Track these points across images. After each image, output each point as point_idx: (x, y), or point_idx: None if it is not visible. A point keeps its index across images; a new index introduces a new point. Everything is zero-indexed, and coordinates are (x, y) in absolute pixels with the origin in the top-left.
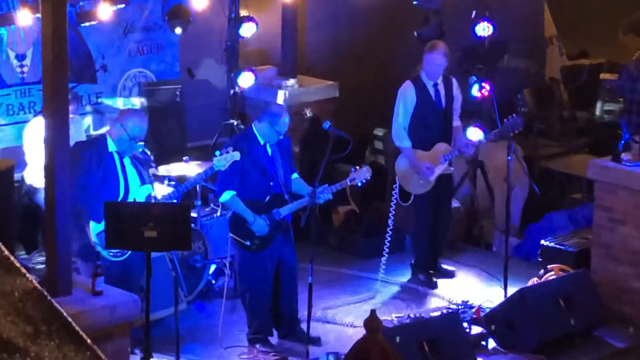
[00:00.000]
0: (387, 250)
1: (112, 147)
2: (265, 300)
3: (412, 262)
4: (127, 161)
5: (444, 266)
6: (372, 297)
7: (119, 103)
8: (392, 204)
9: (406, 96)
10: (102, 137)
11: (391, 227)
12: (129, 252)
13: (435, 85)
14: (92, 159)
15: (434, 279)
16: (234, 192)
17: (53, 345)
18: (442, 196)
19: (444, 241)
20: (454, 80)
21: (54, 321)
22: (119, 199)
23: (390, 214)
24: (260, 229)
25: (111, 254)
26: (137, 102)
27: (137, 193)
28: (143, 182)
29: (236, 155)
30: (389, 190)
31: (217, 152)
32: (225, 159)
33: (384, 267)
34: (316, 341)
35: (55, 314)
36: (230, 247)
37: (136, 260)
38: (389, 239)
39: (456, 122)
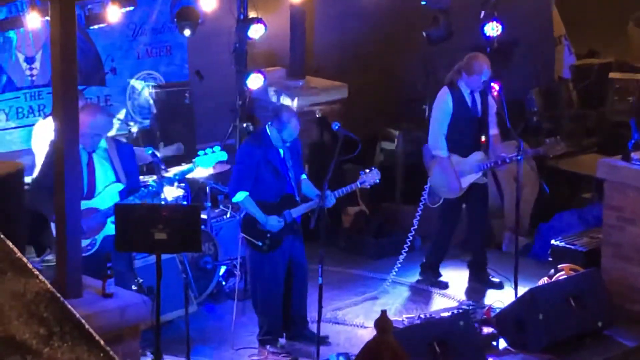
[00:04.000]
0: (406, 251)
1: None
2: (276, 301)
3: (424, 261)
4: (97, 159)
5: (492, 278)
6: (381, 297)
7: (128, 106)
8: (420, 205)
9: (443, 104)
10: None
11: (415, 226)
12: (96, 246)
13: (472, 92)
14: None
15: (443, 280)
16: (247, 193)
17: (66, 347)
18: (475, 207)
19: (484, 251)
20: (491, 86)
21: (67, 322)
22: (83, 198)
23: (416, 215)
24: (273, 227)
25: None
26: (146, 104)
27: (104, 191)
28: (118, 178)
29: (222, 156)
30: (398, 191)
31: (200, 152)
32: (209, 158)
33: (398, 267)
34: (324, 340)
35: (68, 315)
36: (242, 247)
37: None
38: (411, 238)
39: (494, 130)
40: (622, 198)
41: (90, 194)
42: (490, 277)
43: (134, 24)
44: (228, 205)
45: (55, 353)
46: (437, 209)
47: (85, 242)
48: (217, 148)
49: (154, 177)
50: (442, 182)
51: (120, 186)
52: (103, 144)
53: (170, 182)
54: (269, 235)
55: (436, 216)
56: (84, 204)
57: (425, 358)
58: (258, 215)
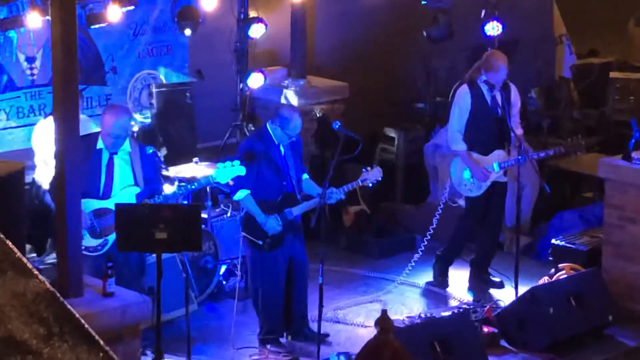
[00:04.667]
0: (422, 250)
1: (100, 143)
2: (277, 300)
3: (439, 253)
4: (119, 161)
5: (493, 277)
6: (382, 297)
7: (129, 105)
8: (440, 204)
9: (461, 101)
10: (94, 135)
11: (434, 225)
12: (107, 246)
13: (492, 90)
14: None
15: (447, 279)
16: (249, 191)
17: (66, 347)
18: (494, 206)
19: (492, 251)
20: (513, 86)
21: (67, 322)
22: (98, 198)
23: (435, 214)
24: (272, 229)
25: (90, 248)
26: (147, 103)
27: (121, 193)
28: (136, 182)
29: (241, 171)
30: (398, 190)
31: (220, 164)
32: (228, 172)
33: (411, 266)
34: (325, 337)
35: (68, 315)
36: (242, 246)
37: (119, 254)
38: (429, 237)
39: (518, 130)
40: (623, 197)
41: (107, 195)
42: (491, 276)
43: (135, 23)
44: (228, 205)
45: (55, 353)
46: (461, 208)
47: (96, 242)
48: (236, 162)
49: None
50: (461, 180)
51: (137, 190)
52: (127, 146)
53: (186, 192)
54: (269, 234)
55: (450, 215)
56: (99, 204)
57: (426, 357)
58: (258, 216)
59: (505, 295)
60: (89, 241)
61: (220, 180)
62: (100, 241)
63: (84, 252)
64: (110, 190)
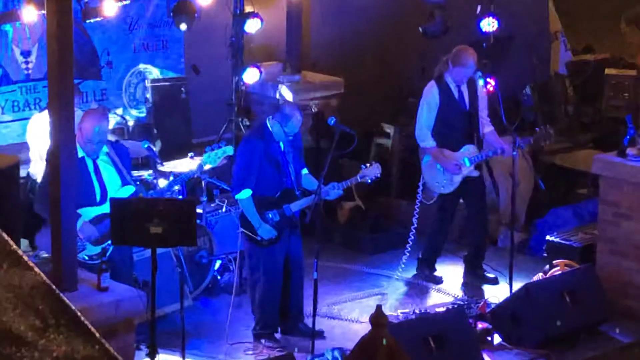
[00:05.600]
0: (409, 248)
1: (81, 152)
2: (274, 295)
3: (420, 256)
4: (102, 164)
5: (487, 273)
6: (376, 292)
7: (124, 100)
8: (417, 202)
9: (429, 97)
10: None
11: (415, 225)
12: (109, 252)
13: (459, 86)
14: None
15: (438, 275)
16: (251, 191)
17: (62, 338)
18: (473, 200)
19: (483, 246)
20: (478, 83)
21: (63, 315)
22: (97, 204)
23: (414, 213)
24: (266, 234)
25: (86, 257)
26: (142, 98)
27: (117, 195)
28: (125, 182)
29: (229, 150)
30: (394, 186)
31: (207, 148)
32: (217, 154)
33: (403, 265)
34: (320, 334)
35: (63, 307)
36: (241, 242)
37: (119, 258)
38: (412, 237)
39: (488, 128)
40: (618, 194)
41: (103, 200)
42: (485, 272)
43: (131, 17)
44: (224, 200)
45: (51, 345)
46: (434, 205)
47: (98, 249)
48: (222, 144)
49: (150, 171)
50: (435, 176)
51: (131, 189)
52: (104, 148)
53: (178, 182)
54: (265, 238)
55: (433, 212)
56: (97, 210)
57: (420, 353)
58: (253, 219)
59: (499, 292)
60: (91, 250)
61: (210, 163)
62: (103, 246)
63: (88, 262)
64: (106, 195)
